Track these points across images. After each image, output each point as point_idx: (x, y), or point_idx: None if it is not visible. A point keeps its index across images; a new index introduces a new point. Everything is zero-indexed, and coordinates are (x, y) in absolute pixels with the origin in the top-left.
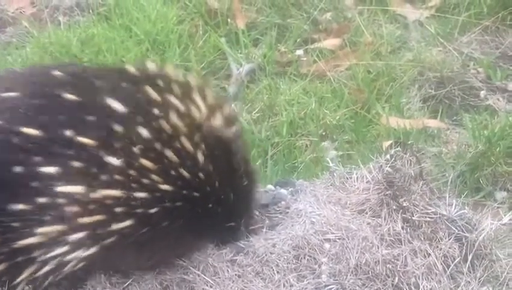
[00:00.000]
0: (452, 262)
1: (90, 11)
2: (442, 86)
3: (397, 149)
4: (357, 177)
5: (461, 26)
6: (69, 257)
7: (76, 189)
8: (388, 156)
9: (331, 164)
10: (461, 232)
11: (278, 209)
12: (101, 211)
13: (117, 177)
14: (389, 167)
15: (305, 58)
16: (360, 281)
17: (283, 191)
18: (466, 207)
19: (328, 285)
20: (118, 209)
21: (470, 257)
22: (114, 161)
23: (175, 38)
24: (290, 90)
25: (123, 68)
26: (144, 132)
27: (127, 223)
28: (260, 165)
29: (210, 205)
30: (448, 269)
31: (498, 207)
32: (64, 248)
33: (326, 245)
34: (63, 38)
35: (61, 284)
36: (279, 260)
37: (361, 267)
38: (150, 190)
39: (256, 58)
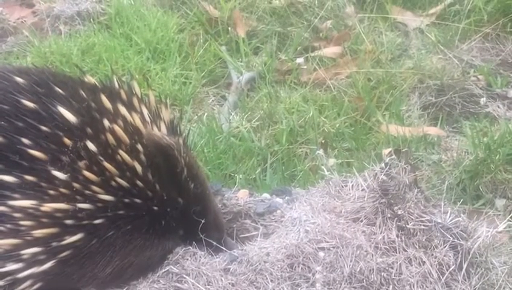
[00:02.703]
0: (447, 270)
1: (91, 20)
2: (443, 94)
3: (392, 157)
4: (352, 186)
5: (461, 33)
6: (24, 274)
7: (30, 203)
8: (383, 164)
9: (326, 172)
10: (456, 240)
11: (273, 218)
12: (53, 224)
13: (63, 190)
14: (384, 175)
15: (305, 67)
16: None
17: (278, 199)
18: (461, 215)
19: None
20: (68, 222)
21: (465, 265)
22: (60, 175)
23: (175, 47)
24: (290, 98)
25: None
26: (91, 146)
27: (79, 236)
28: (259, 173)
29: (155, 208)
30: (443, 277)
31: (495, 215)
32: (19, 265)
33: (321, 254)
34: (63, 48)
35: None
36: (273, 269)
37: (355, 276)
38: (92, 201)
39: (257, 66)
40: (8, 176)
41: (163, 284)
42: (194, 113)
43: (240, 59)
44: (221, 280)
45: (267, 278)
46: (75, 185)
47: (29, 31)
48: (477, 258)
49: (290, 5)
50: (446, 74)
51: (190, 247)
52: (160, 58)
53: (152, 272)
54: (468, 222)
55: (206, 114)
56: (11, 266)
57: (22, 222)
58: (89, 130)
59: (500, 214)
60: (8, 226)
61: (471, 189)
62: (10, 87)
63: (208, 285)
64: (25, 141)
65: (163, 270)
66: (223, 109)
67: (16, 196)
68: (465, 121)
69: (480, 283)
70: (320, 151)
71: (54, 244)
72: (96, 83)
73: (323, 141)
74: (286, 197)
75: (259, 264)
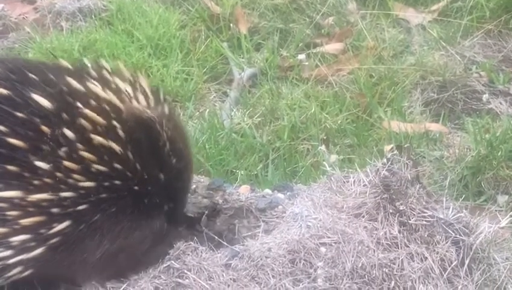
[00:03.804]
0: (449, 266)
1: (93, 16)
2: (445, 90)
3: (394, 153)
4: (354, 181)
5: (464, 30)
6: (14, 260)
7: (15, 194)
8: (385, 160)
9: (328, 168)
10: (458, 236)
11: (274, 213)
12: (39, 213)
13: (47, 180)
14: (386, 170)
15: (307, 63)
16: (356, 285)
17: (280, 195)
18: (464, 210)
19: (324, 289)
20: (54, 210)
21: (467, 261)
22: (43, 165)
23: (177, 43)
24: (292, 94)
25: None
26: (69, 133)
27: (66, 223)
28: (261, 169)
29: (136, 188)
30: (445, 272)
31: (497, 211)
32: (9, 252)
33: (322, 249)
34: (65, 44)
35: None
36: (275, 264)
37: (357, 271)
38: (75, 188)
39: (258, 62)
40: None
41: (164, 280)
42: (196, 109)
43: (242, 55)
44: (223, 275)
45: (268, 274)
46: (58, 174)
47: (30, 27)
48: (479, 254)
49: (291, 2)
50: (448, 71)
51: (191, 242)
52: (162, 55)
53: (147, 259)
54: (470, 218)
55: (207, 110)
56: (1, 253)
57: (8, 213)
58: (64, 115)
59: (502, 210)
60: None
61: (473, 185)
62: None
63: (209, 280)
64: (2, 128)
65: (164, 266)
66: (224, 105)
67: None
68: (467, 118)
69: (482, 278)
70: (322, 147)
71: (43, 231)
72: (64, 66)
73: (325, 137)
74: (288, 193)
75: (261, 259)
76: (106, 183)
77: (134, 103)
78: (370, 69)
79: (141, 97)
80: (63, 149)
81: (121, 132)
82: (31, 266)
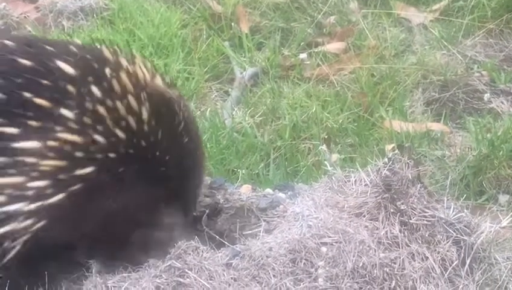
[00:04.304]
0: (450, 265)
1: (94, 15)
2: (446, 89)
3: (395, 152)
4: (355, 181)
5: (465, 29)
6: (29, 208)
7: (33, 144)
8: (386, 159)
9: (329, 168)
10: (459, 236)
11: (275, 213)
12: (61, 157)
13: (73, 125)
14: (387, 170)
15: (308, 62)
16: (357, 285)
17: (281, 195)
18: (465, 210)
19: (325, 289)
20: (78, 154)
21: (468, 260)
22: (68, 112)
23: (178, 42)
24: (293, 93)
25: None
26: (96, 90)
27: (89, 169)
28: (262, 168)
29: (157, 153)
30: (446, 272)
31: (498, 210)
32: (23, 203)
33: (323, 249)
34: None
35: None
36: (276, 264)
37: (358, 271)
38: (105, 135)
39: (260, 62)
40: (11, 127)
41: (165, 279)
42: (197, 108)
43: (243, 54)
44: (224, 274)
45: (269, 273)
46: (86, 119)
47: (32, 26)
48: (480, 253)
49: (293, 1)
50: (450, 70)
51: (192, 241)
52: (163, 54)
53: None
54: (471, 217)
55: (209, 109)
56: (14, 206)
57: (26, 159)
58: (90, 78)
59: (503, 210)
60: (11, 171)
61: (474, 185)
62: (2, 50)
63: (210, 280)
64: (27, 94)
65: (165, 265)
66: (226, 105)
67: (19, 141)
68: (468, 117)
69: (484, 278)
70: (324, 147)
71: (63, 177)
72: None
73: (326, 137)
74: (289, 192)
75: (262, 259)
76: (134, 140)
77: (157, 82)
78: (371, 68)
79: (159, 78)
80: (90, 103)
81: (147, 104)
82: (44, 216)
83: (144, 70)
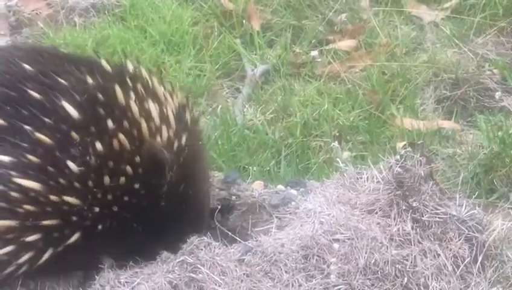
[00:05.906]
0: (462, 263)
1: (106, 12)
2: (457, 87)
3: (407, 149)
4: (367, 178)
5: (476, 27)
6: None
7: (33, 185)
8: (398, 156)
9: (340, 165)
10: (471, 233)
11: (287, 209)
12: (56, 216)
13: (76, 184)
14: (399, 167)
15: (319, 60)
16: (369, 282)
17: (293, 191)
18: (477, 207)
19: (337, 285)
20: (73, 218)
21: (480, 258)
22: (73, 166)
23: (190, 39)
24: (304, 91)
25: (96, 61)
26: (99, 146)
27: (77, 236)
28: (273, 165)
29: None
30: (458, 269)
31: (510, 208)
32: (10, 247)
33: (335, 245)
34: (78, 39)
35: None
36: (288, 260)
37: (370, 268)
38: (101, 205)
39: (271, 59)
40: (7, 156)
41: (178, 274)
42: (208, 105)
43: (254, 52)
44: (236, 270)
45: (281, 269)
46: (89, 183)
47: (44, 23)
48: (492, 251)
49: None
50: (461, 68)
51: (204, 237)
52: (175, 51)
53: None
54: (483, 215)
55: (220, 106)
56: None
57: (24, 206)
58: (92, 128)
59: None
60: (5, 205)
61: (485, 183)
62: (19, 74)
63: (223, 275)
64: (28, 127)
65: (178, 260)
66: (237, 102)
67: (14, 173)
68: (479, 115)
69: (495, 275)
70: (335, 144)
71: (55, 235)
72: (109, 70)
73: (337, 134)
74: (301, 189)
75: (274, 255)
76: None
77: (158, 138)
78: (383, 66)
79: (170, 113)
80: (94, 158)
81: (140, 170)
82: (31, 265)
83: (155, 115)
